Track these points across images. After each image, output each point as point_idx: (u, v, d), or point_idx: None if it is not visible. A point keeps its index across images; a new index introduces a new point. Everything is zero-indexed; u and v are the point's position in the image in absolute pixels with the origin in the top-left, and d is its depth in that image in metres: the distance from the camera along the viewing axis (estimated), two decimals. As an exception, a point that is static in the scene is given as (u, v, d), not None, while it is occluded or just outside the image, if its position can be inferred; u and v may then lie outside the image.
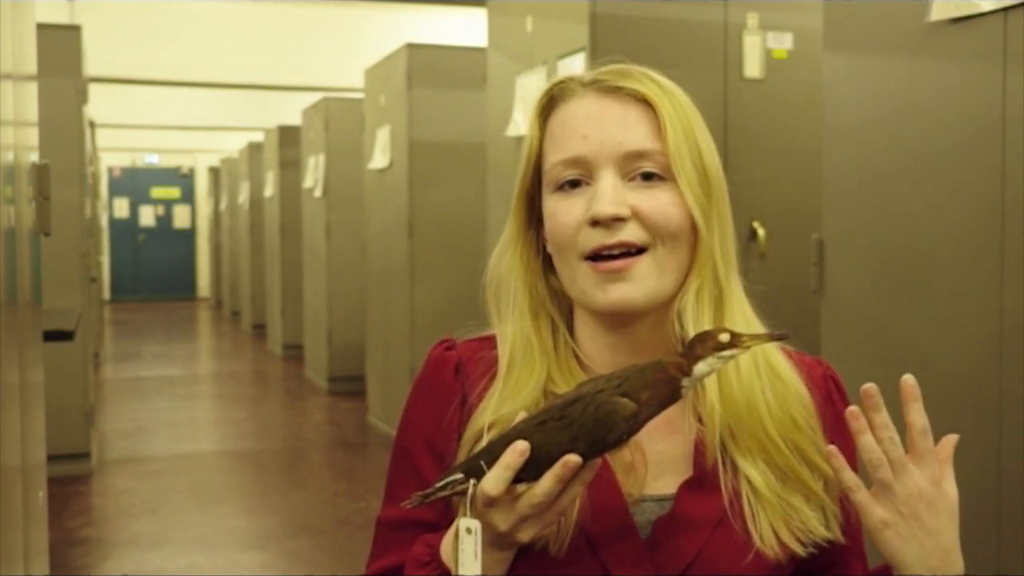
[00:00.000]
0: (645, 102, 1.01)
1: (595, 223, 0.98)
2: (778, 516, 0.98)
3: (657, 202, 0.99)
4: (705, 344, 0.91)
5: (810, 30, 3.54)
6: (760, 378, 1.00)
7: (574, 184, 1.01)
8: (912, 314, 2.30)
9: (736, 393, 0.99)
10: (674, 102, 1.01)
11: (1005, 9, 2.03)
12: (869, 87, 2.43)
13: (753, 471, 0.99)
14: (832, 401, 1.07)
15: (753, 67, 3.65)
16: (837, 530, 1.00)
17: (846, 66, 2.51)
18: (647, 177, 1.00)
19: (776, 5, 3.71)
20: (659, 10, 3.53)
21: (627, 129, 1.00)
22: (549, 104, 1.05)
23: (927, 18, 2.20)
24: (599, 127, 1.00)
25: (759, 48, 3.66)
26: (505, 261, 1.07)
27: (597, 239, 0.98)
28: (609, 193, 0.98)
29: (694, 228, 1.00)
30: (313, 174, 7.88)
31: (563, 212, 1.01)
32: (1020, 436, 2.03)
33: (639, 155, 0.99)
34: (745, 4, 3.64)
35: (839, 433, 1.02)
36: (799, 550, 0.98)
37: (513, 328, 1.06)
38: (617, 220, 0.98)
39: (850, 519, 1.00)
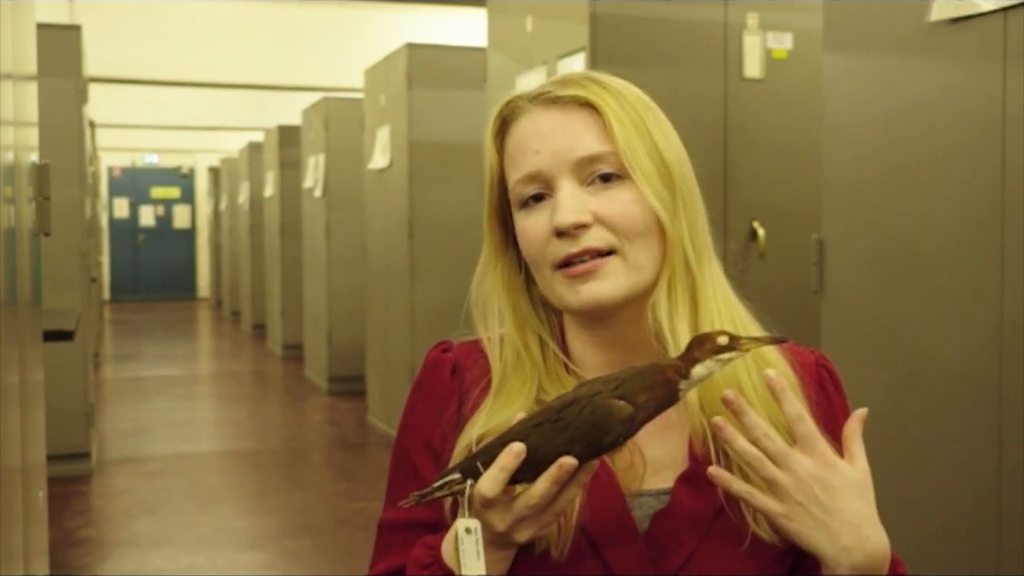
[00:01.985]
0: (589, 106, 1.02)
1: (560, 233, 1.00)
2: None
3: (617, 203, 1.00)
4: (703, 347, 0.91)
5: (810, 30, 3.54)
6: (744, 360, 1.00)
7: (538, 199, 1.02)
8: (912, 314, 2.29)
9: (717, 376, 0.99)
10: (620, 100, 1.02)
11: (1005, 9, 2.03)
12: (869, 87, 2.43)
13: None
14: (824, 389, 1.07)
15: (753, 67, 3.65)
16: None
17: (846, 66, 2.51)
18: (605, 179, 1.01)
19: (776, 5, 3.71)
20: (659, 10, 3.53)
21: (575, 136, 1.01)
22: (503, 126, 1.07)
23: (927, 18, 2.20)
24: (548, 139, 1.01)
25: (759, 48, 3.66)
26: (487, 282, 1.09)
27: (564, 249, 1.00)
28: (568, 202, 0.99)
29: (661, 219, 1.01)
30: (313, 174, 7.89)
31: (530, 228, 1.03)
32: (1020, 436, 2.03)
33: (592, 159, 1.00)
34: (745, 4, 3.64)
35: (830, 422, 1.02)
36: None
37: (503, 343, 1.07)
38: (580, 227, 0.99)
39: None
